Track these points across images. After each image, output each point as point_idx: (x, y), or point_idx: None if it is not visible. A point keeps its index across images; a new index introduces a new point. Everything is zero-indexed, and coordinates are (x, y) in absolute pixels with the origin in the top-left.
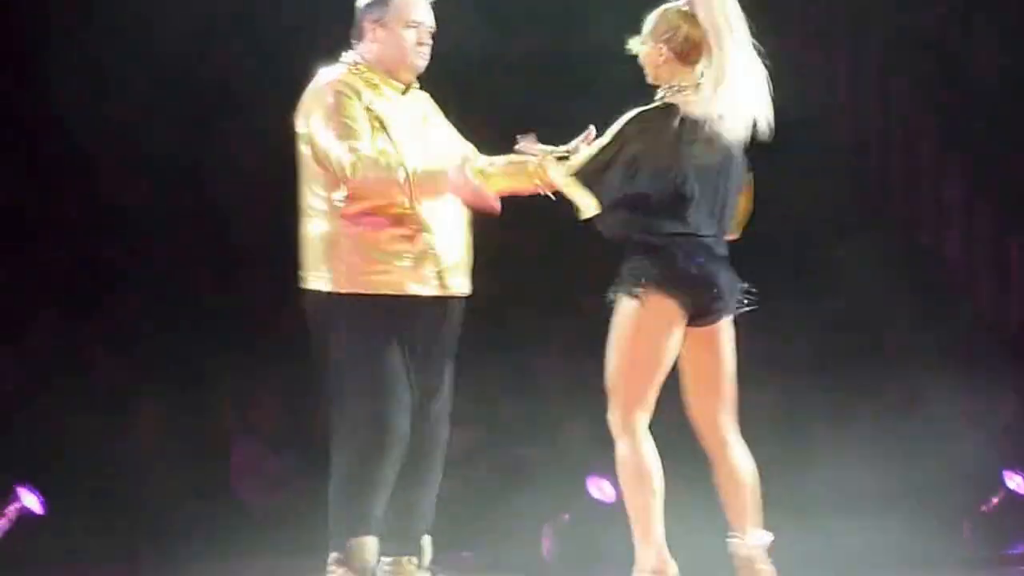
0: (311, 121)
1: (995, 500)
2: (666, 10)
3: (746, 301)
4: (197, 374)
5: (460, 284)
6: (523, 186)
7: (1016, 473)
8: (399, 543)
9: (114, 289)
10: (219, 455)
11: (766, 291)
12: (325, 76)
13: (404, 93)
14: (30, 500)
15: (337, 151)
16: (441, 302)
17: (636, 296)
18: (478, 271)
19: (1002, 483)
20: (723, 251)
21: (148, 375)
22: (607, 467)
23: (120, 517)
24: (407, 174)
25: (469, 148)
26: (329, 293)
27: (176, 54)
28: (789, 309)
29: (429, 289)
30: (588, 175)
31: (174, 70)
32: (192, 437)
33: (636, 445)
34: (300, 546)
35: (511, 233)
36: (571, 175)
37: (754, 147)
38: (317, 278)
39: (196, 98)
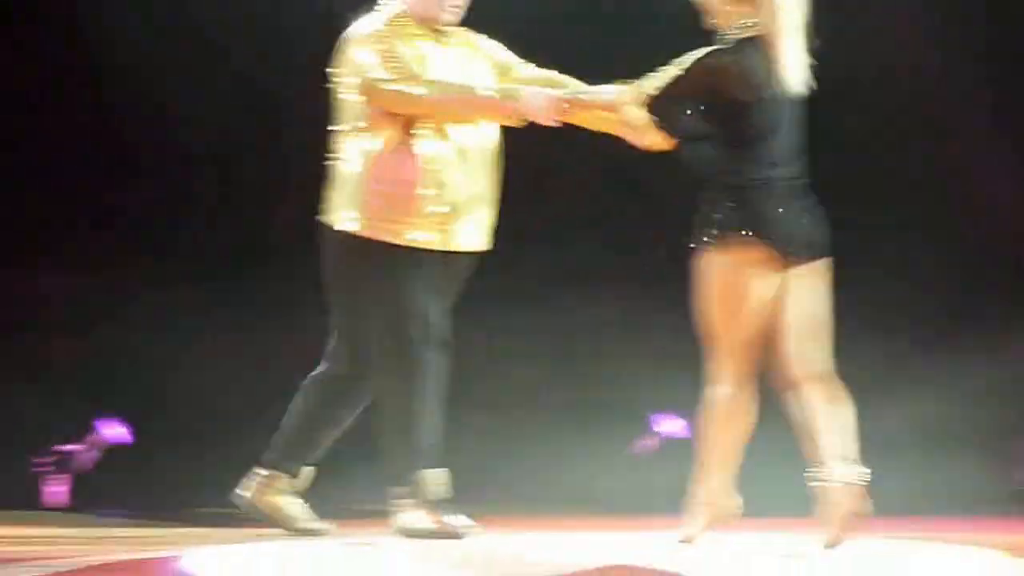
0: (363, 68)
1: None
2: None
3: (827, 246)
4: (280, 305)
5: (477, 241)
6: (594, 118)
7: None
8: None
9: (194, 224)
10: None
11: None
12: (365, 25)
13: (445, 44)
14: (116, 431)
15: (403, 86)
16: (453, 257)
17: (717, 244)
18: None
19: None
20: (805, 192)
21: (226, 307)
22: (670, 404)
23: (206, 448)
24: (486, 92)
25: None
26: (356, 235)
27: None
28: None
29: (442, 243)
30: (662, 108)
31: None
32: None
33: (723, 395)
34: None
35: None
36: (645, 109)
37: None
38: (346, 219)
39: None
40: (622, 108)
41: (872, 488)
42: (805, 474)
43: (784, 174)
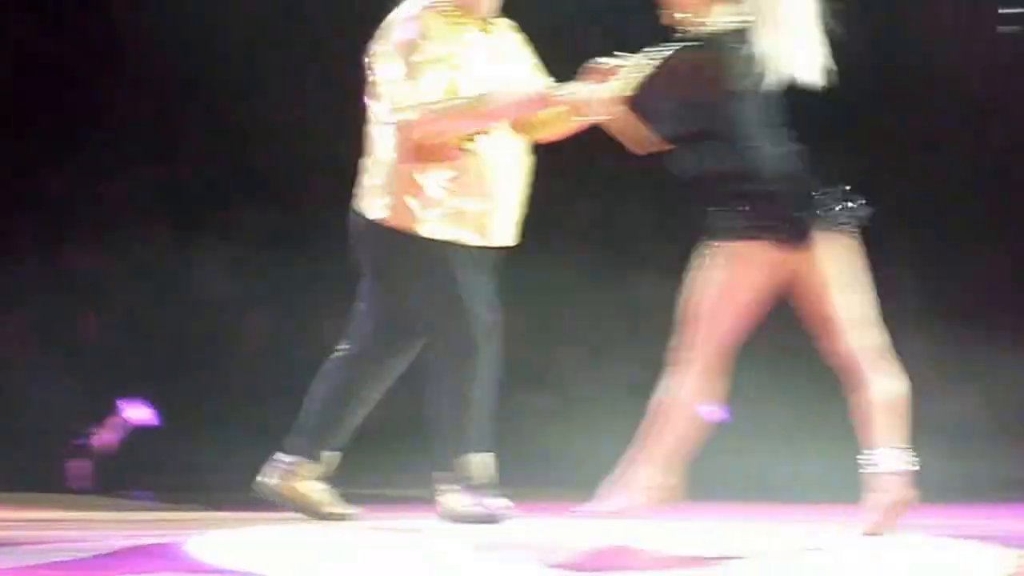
0: (382, 57)
1: None
2: None
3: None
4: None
5: (505, 235)
6: (567, 125)
7: None
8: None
9: (227, 207)
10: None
11: None
12: (405, 11)
13: (486, 31)
14: (142, 413)
15: (399, 99)
16: (485, 252)
17: (725, 241)
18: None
19: None
20: (801, 170)
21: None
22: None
23: (233, 428)
24: (469, 102)
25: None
26: (394, 228)
27: None
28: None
29: (474, 238)
30: (646, 108)
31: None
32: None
33: (677, 383)
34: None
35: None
36: (623, 107)
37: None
38: (377, 208)
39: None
40: (595, 107)
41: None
42: (857, 459)
43: (782, 164)
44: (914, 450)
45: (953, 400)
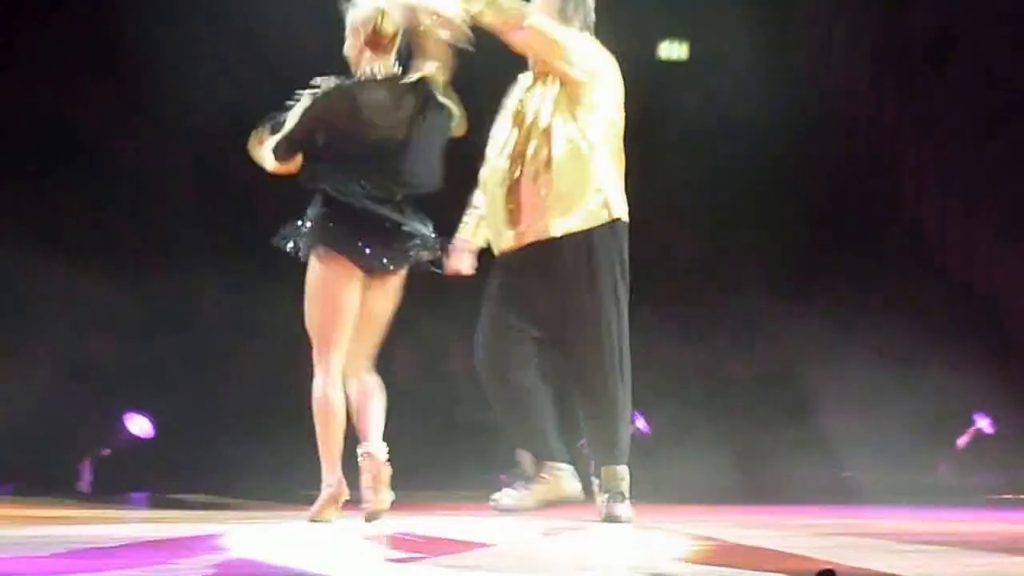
0: None
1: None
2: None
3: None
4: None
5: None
6: None
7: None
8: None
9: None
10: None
11: None
12: None
13: None
14: (141, 425)
15: None
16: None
17: (317, 254)
18: None
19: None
20: (393, 212)
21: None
22: None
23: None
24: None
25: None
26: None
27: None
28: None
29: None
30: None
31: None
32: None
33: (319, 387)
34: None
35: None
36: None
37: None
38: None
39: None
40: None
41: None
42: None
43: (375, 195)
44: None
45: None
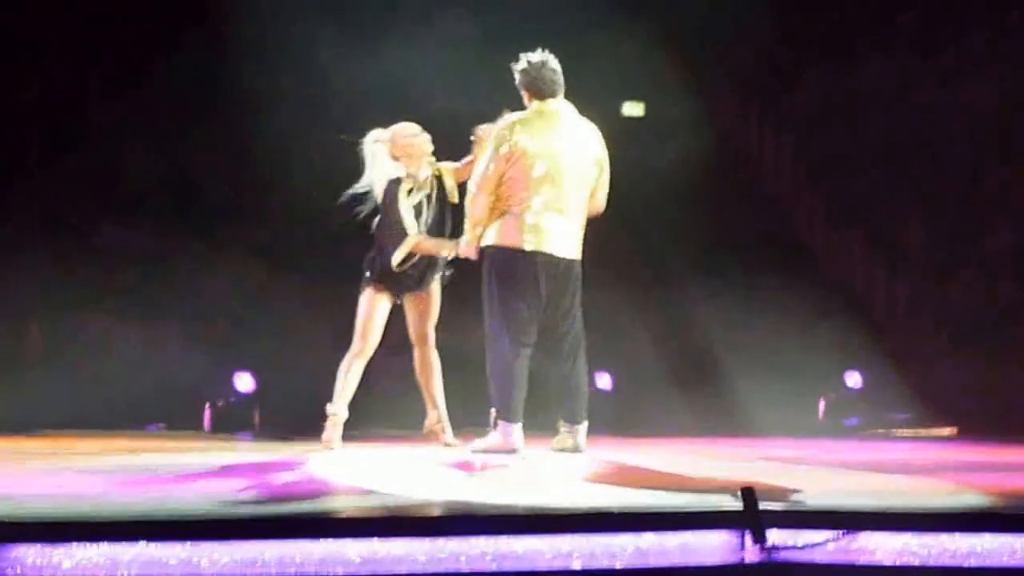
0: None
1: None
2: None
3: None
4: None
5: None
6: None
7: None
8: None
9: None
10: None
11: None
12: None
13: None
14: (246, 381)
15: None
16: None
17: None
18: None
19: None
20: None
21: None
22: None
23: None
24: None
25: None
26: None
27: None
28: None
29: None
30: None
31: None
32: None
33: (354, 357)
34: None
35: None
36: None
37: None
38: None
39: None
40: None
41: None
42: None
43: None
44: None
45: None
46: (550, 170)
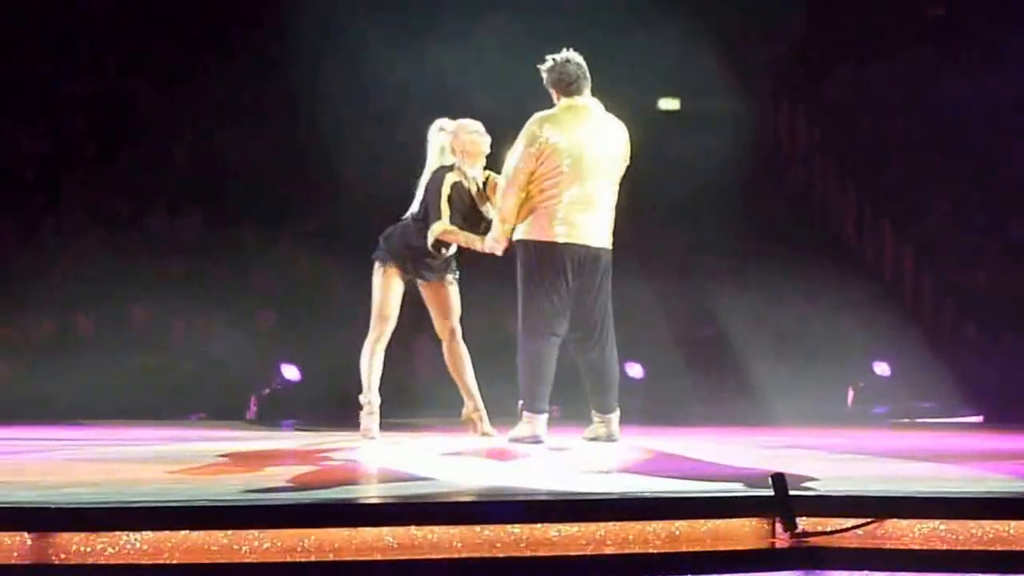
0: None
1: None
2: None
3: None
4: None
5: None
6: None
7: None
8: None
9: None
10: None
11: None
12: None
13: None
14: (290, 371)
15: None
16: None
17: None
18: None
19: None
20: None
21: None
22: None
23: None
24: None
25: None
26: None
27: None
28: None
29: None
30: None
31: None
32: None
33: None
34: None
35: None
36: None
37: None
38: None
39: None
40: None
41: None
42: None
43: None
44: None
45: None
46: (579, 163)
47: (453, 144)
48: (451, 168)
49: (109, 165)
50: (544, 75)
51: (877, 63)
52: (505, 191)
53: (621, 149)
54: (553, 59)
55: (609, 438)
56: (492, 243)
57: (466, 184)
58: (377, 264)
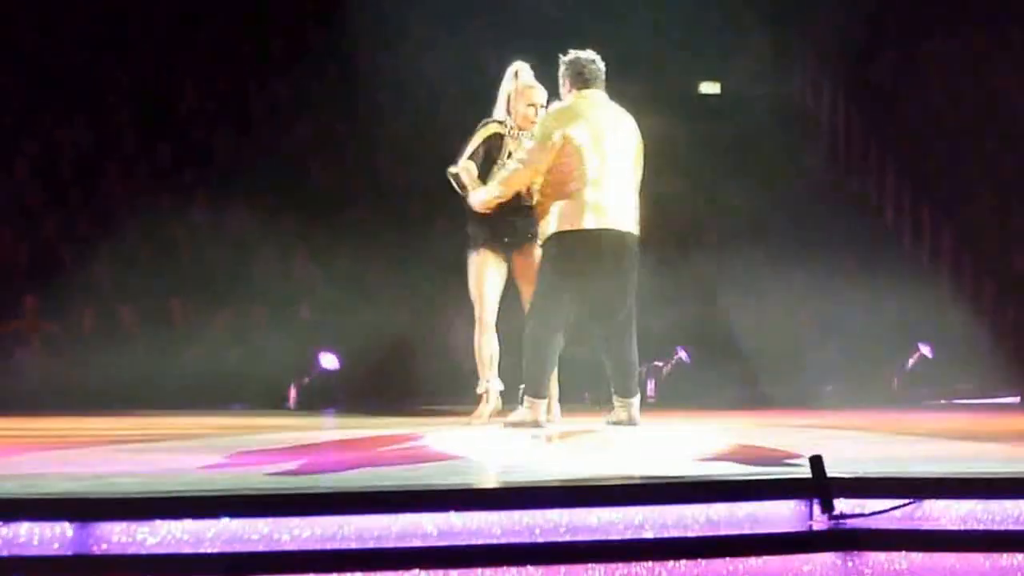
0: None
1: (912, 361)
2: None
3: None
4: None
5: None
6: None
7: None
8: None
9: None
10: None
11: None
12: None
13: None
14: (331, 360)
15: None
16: None
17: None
18: None
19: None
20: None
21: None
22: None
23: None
24: None
25: None
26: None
27: None
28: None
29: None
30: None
31: None
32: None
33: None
34: None
35: None
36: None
37: None
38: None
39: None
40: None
41: None
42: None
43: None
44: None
45: None
46: (601, 151)
47: (510, 103)
48: (500, 122)
49: (150, 157)
50: (564, 66)
51: (924, 46)
52: (517, 168)
53: (637, 135)
54: (577, 55)
55: (631, 422)
56: (476, 200)
57: (506, 139)
58: (468, 250)
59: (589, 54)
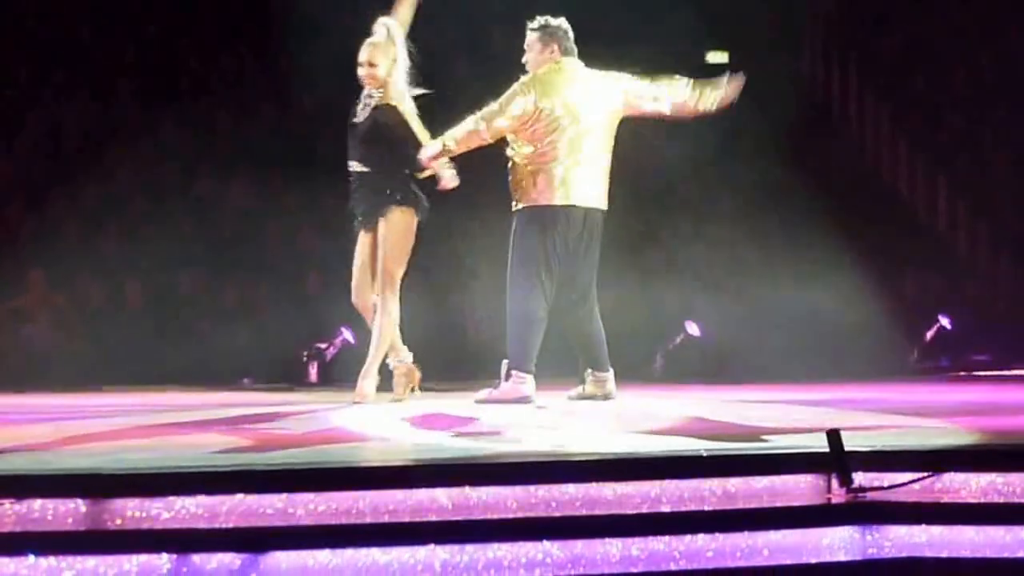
0: None
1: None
2: None
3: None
4: None
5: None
6: None
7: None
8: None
9: None
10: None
11: None
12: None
13: None
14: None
15: None
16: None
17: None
18: None
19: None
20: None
21: None
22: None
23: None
24: None
25: None
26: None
27: None
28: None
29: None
30: None
31: None
32: None
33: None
34: None
35: None
36: None
37: None
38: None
39: None
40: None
41: None
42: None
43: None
44: None
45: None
46: (572, 124)
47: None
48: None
49: (154, 130)
50: (534, 34)
51: (935, 16)
52: (473, 129)
53: (613, 103)
54: (548, 21)
55: (607, 397)
56: (424, 155)
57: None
58: (402, 209)
59: (557, 21)
